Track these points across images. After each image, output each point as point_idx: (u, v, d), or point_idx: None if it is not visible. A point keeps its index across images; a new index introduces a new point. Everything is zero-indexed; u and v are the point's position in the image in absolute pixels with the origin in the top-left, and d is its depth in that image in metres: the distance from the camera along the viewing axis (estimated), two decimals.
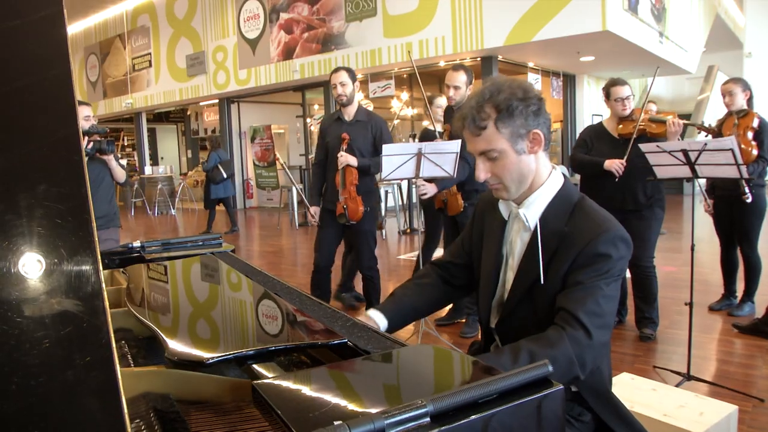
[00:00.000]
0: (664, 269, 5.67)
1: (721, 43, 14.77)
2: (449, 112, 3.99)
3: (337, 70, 3.75)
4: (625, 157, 3.46)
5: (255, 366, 0.86)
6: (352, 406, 0.64)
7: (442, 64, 9.53)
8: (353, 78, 3.73)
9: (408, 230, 8.93)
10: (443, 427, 0.60)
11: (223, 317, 1.12)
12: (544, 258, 1.36)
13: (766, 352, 3.48)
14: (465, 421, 0.61)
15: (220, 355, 0.81)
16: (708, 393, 2.85)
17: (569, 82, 11.36)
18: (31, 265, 0.54)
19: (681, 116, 5.72)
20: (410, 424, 0.59)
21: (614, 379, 2.54)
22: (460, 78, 3.76)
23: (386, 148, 3.45)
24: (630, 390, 2.36)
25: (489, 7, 8.09)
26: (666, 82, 15.24)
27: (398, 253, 7.39)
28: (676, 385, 2.86)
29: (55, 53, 0.73)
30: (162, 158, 19.03)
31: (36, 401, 0.46)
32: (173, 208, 13.62)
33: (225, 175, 9.35)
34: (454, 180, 3.53)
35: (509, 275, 1.46)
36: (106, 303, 0.52)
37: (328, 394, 0.68)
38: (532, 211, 1.40)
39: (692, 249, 2.96)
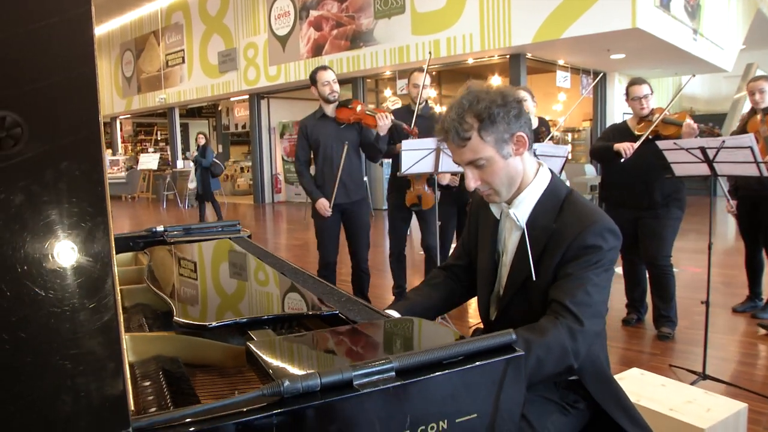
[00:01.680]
0: (690, 270, 5.59)
1: (762, 40, 14.32)
2: (405, 113, 4.09)
3: (325, 68, 3.84)
4: (636, 146, 3.44)
5: (254, 333, 0.94)
6: (330, 363, 0.71)
7: (470, 61, 9.54)
8: None
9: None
10: (406, 381, 0.67)
11: (231, 291, 1.20)
12: (535, 254, 1.39)
13: None
14: (426, 377, 0.68)
15: (220, 321, 0.89)
16: (723, 393, 2.83)
17: (600, 79, 11.22)
18: (55, 228, 0.63)
19: (717, 116, 5.59)
20: (376, 377, 0.66)
21: (623, 374, 2.55)
22: (425, 78, 4.05)
23: (405, 143, 3.49)
24: (638, 385, 2.37)
25: (517, 5, 8.07)
26: (702, 81, 14.88)
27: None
28: (691, 384, 2.85)
29: (83, 52, 0.81)
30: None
31: (53, 336, 0.55)
32: None
33: (224, 168, 9.71)
34: None
35: (503, 272, 1.51)
36: (114, 259, 0.60)
37: (312, 353, 0.75)
38: (521, 210, 1.43)
39: (709, 248, 2.95)
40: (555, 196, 1.43)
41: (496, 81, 12.97)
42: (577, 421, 1.46)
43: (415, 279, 4.94)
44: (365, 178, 10.98)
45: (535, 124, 4.19)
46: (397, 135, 4.00)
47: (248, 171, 15.74)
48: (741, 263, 4.42)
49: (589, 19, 7.45)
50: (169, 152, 17.25)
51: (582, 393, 1.46)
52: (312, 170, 4.06)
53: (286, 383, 0.61)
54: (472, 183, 1.41)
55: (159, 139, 20.29)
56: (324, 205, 3.85)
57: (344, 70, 10.41)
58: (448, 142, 1.40)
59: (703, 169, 2.87)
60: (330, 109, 3.88)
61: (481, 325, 1.67)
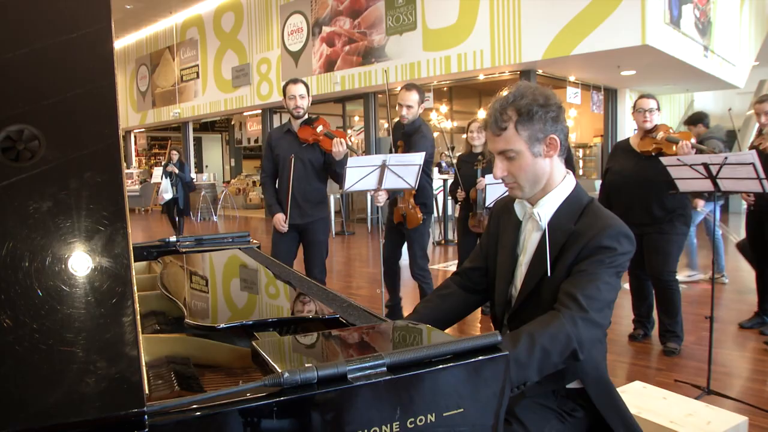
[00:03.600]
0: (699, 286, 5.59)
1: None
2: (398, 128, 4.08)
3: (296, 81, 3.74)
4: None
5: (260, 334, 1.00)
6: (327, 358, 0.76)
7: (481, 77, 9.63)
8: (308, 91, 3.80)
9: (443, 241, 9.02)
10: (397, 376, 0.72)
11: (239, 297, 1.26)
12: (553, 253, 1.44)
13: None
14: (416, 373, 0.73)
15: (228, 323, 0.95)
16: (727, 408, 2.84)
17: (610, 96, 11.25)
18: (78, 232, 0.69)
19: (729, 132, 5.63)
20: (369, 371, 0.72)
21: (625, 387, 2.58)
22: (413, 97, 3.88)
23: (351, 161, 3.44)
24: (640, 397, 2.40)
25: (528, 21, 8.16)
26: (715, 97, 14.86)
27: (433, 263, 7.47)
28: (695, 399, 2.85)
29: (102, 66, 0.87)
30: (206, 166, 19.65)
31: (77, 326, 0.62)
32: (215, 215, 14.05)
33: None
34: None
35: (520, 272, 1.55)
36: (132, 260, 0.67)
37: (311, 351, 0.81)
38: (544, 211, 1.49)
39: (713, 263, 2.97)
40: (577, 201, 1.49)
41: None
42: (575, 430, 1.49)
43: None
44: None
45: None
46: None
47: (260, 185, 15.85)
48: (750, 279, 4.41)
49: (599, 36, 7.51)
50: None
51: (580, 402, 1.49)
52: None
53: (286, 375, 0.67)
54: (499, 172, 1.48)
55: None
56: (279, 220, 3.75)
57: (356, 85, 10.54)
58: (487, 130, 1.48)
59: (706, 185, 2.91)
60: (296, 125, 3.77)
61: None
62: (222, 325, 0.94)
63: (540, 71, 9.11)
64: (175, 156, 9.95)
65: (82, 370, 0.60)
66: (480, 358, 0.78)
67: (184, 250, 1.87)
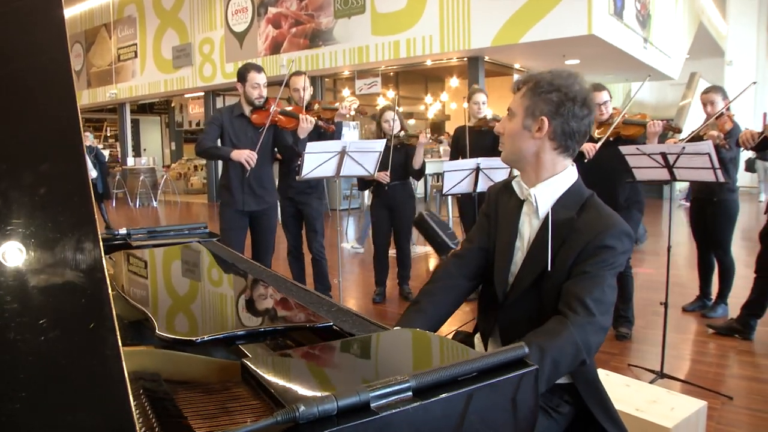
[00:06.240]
0: (642, 271, 5.77)
1: (703, 51, 15.03)
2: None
3: (261, 69, 3.69)
4: (597, 147, 3.53)
5: (243, 347, 0.89)
6: (337, 382, 0.67)
7: (429, 63, 9.59)
8: None
9: None
10: (424, 401, 0.64)
11: (211, 301, 1.14)
12: (554, 246, 1.41)
13: (738, 353, 3.57)
14: (444, 396, 0.65)
15: (210, 335, 0.83)
16: (680, 390, 2.92)
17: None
18: (36, 240, 0.56)
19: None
20: (393, 398, 0.63)
21: None
22: (304, 81, 4.05)
23: (310, 146, 3.34)
24: (604, 386, 2.41)
25: (477, 8, 8.16)
26: (650, 88, 15.46)
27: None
28: (650, 383, 2.92)
29: (53, 36, 0.74)
30: (145, 150, 18.85)
31: (48, 361, 0.49)
32: (155, 200, 13.51)
33: None
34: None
35: (517, 257, 1.51)
36: (106, 274, 0.54)
37: (315, 371, 0.71)
38: (543, 198, 1.46)
39: (668, 251, 3.03)
40: (578, 194, 1.47)
41: (454, 83, 13.11)
42: (559, 425, 1.47)
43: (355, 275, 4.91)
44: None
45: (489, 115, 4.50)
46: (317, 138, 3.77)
47: (202, 169, 15.39)
48: (687, 264, 4.58)
49: (546, 25, 7.61)
50: (119, 149, 16.70)
51: (565, 398, 1.47)
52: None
53: (302, 408, 0.57)
54: (498, 126, 1.53)
55: (109, 135, 19.62)
56: (244, 154, 3.48)
57: (303, 68, 10.29)
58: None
59: (663, 174, 2.96)
60: (249, 110, 3.68)
61: (462, 329, 1.65)
62: (201, 339, 0.82)
63: (487, 58, 9.16)
64: (88, 137, 9.40)
65: (53, 424, 0.48)
66: (511, 374, 0.70)
67: (136, 244, 1.71)
